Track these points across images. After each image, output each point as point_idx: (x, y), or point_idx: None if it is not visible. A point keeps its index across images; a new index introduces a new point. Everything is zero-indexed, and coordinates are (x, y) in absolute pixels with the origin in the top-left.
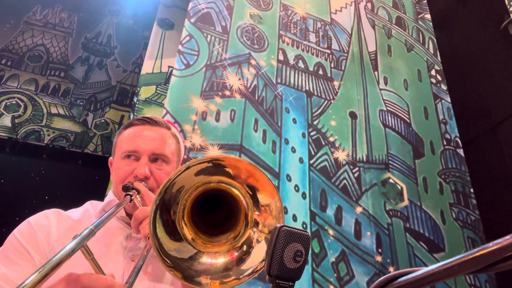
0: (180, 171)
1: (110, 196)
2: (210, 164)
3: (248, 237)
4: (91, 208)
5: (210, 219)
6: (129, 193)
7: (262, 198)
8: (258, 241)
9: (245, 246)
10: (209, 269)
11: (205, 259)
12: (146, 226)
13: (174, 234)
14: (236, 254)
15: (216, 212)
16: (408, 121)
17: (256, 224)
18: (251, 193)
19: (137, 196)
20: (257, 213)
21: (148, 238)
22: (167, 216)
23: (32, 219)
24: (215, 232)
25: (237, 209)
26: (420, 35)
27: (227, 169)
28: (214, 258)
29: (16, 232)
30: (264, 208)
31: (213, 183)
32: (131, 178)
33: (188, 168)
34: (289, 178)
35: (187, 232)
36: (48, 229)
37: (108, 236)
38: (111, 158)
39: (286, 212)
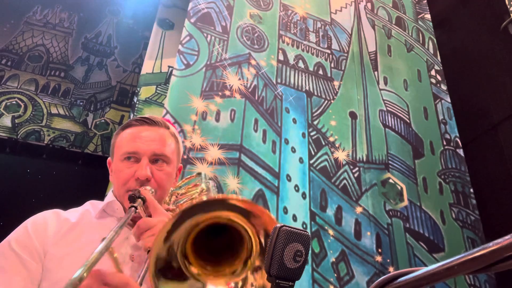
0: (168, 228)
1: (110, 196)
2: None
3: (245, 278)
4: (91, 208)
5: (213, 244)
6: (135, 204)
7: None
8: (252, 286)
9: (240, 283)
10: None
11: None
12: (147, 238)
13: (182, 275)
14: (232, 285)
15: (219, 237)
16: (408, 121)
17: (256, 270)
18: (260, 239)
19: (142, 205)
20: (259, 261)
21: (148, 251)
22: (172, 271)
23: (30, 223)
24: (217, 259)
25: (240, 247)
26: (420, 35)
27: (238, 205)
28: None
29: (12, 239)
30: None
31: (221, 219)
32: (133, 180)
33: (178, 219)
34: (289, 178)
35: (193, 269)
36: (44, 233)
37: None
38: (109, 158)
39: (286, 212)
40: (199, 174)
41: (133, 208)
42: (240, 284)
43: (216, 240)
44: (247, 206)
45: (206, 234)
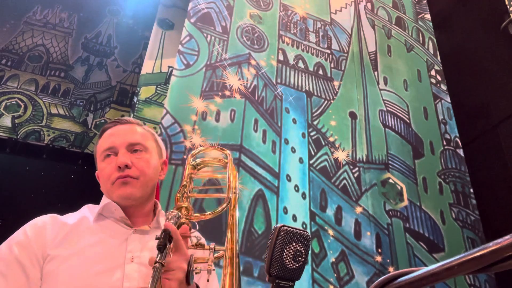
0: None
1: (105, 199)
2: None
3: None
4: (88, 213)
5: None
6: (160, 261)
7: None
8: None
9: None
10: None
11: None
12: (161, 279)
13: None
14: None
15: None
16: (408, 121)
17: None
18: None
19: (170, 245)
20: None
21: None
22: None
23: (28, 228)
24: None
25: None
26: (420, 35)
27: None
28: None
29: (13, 244)
30: None
31: None
32: (115, 172)
33: None
34: (289, 178)
35: None
36: (43, 238)
37: (107, 238)
38: (97, 172)
39: (286, 212)
40: (222, 157)
41: (157, 265)
42: None
43: None
44: None
45: None
